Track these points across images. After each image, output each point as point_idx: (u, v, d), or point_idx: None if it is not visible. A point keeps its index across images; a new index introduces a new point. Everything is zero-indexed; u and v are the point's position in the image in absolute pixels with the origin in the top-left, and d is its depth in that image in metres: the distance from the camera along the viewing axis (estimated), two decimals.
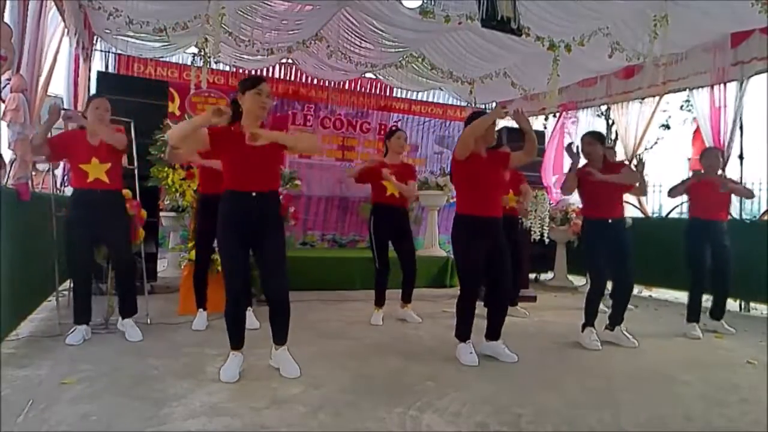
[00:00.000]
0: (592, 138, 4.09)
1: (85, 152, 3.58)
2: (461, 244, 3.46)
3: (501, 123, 4.85)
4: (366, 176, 4.58)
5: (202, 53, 5.56)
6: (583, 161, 4.05)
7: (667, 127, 16.95)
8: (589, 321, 3.97)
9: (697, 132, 7.01)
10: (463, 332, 3.46)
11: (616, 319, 4.03)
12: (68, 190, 5.17)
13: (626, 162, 5.05)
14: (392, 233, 4.54)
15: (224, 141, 2.85)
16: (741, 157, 6.04)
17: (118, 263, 3.78)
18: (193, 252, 4.57)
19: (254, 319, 4.02)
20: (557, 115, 8.42)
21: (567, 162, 8.33)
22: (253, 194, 2.86)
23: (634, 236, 4.22)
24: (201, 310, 4.15)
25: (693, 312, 4.48)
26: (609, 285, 4.13)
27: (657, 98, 7.12)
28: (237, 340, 2.96)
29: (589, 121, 8.26)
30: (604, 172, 3.94)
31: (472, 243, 3.39)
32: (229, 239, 2.89)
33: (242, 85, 2.91)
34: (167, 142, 4.34)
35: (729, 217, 4.75)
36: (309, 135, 3.04)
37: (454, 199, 7.43)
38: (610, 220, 3.95)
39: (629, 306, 4.08)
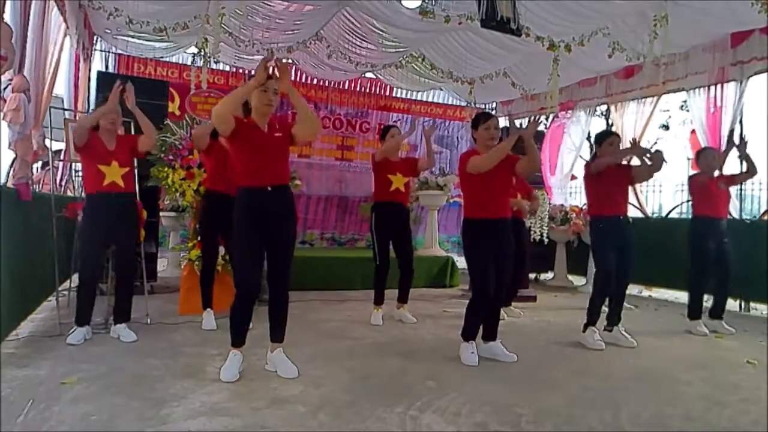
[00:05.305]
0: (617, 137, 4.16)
1: (105, 154, 3.57)
2: (472, 247, 3.47)
3: (501, 123, 4.82)
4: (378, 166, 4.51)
5: (202, 53, 5.56)
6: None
7: (667, 127, 16.93)
8: (592, 321, 3.97)
9: (693, 132, 7.00)
10: (469, 332, 3.46)
11: (614, 319, 4.04)
12: (68, 191, 5.19)
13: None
14: (393, 231, 4.52)
15: (243, 129, 2.88)
16: (741, 157, 6.03)
17: (121, 266, 3.75)
18: (194, 252, 4.57)
19: None
20: (557, 115, 8.40)
21: (567, 162, 8.39)
22: (269, 188, 2.87)
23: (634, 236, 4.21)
24: (209, 309, 4.11)
25: (695, 309, 4.52)
26: None
27: (656, 98, 7.12)
28: (240, 338, 2.96)
29: (588, 120, 8.25)
30: (616, 169, 3.97)
31: (483, 245, 3.41)
32: (247, 236, 2.89)
33: None
34: (197, 135, 4.22)
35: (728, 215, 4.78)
36: (315, 117, 3.06)
37: (454, 199, 7.49)
38: (621, 217, 3.98)
39: (629, 306, 4.07)
